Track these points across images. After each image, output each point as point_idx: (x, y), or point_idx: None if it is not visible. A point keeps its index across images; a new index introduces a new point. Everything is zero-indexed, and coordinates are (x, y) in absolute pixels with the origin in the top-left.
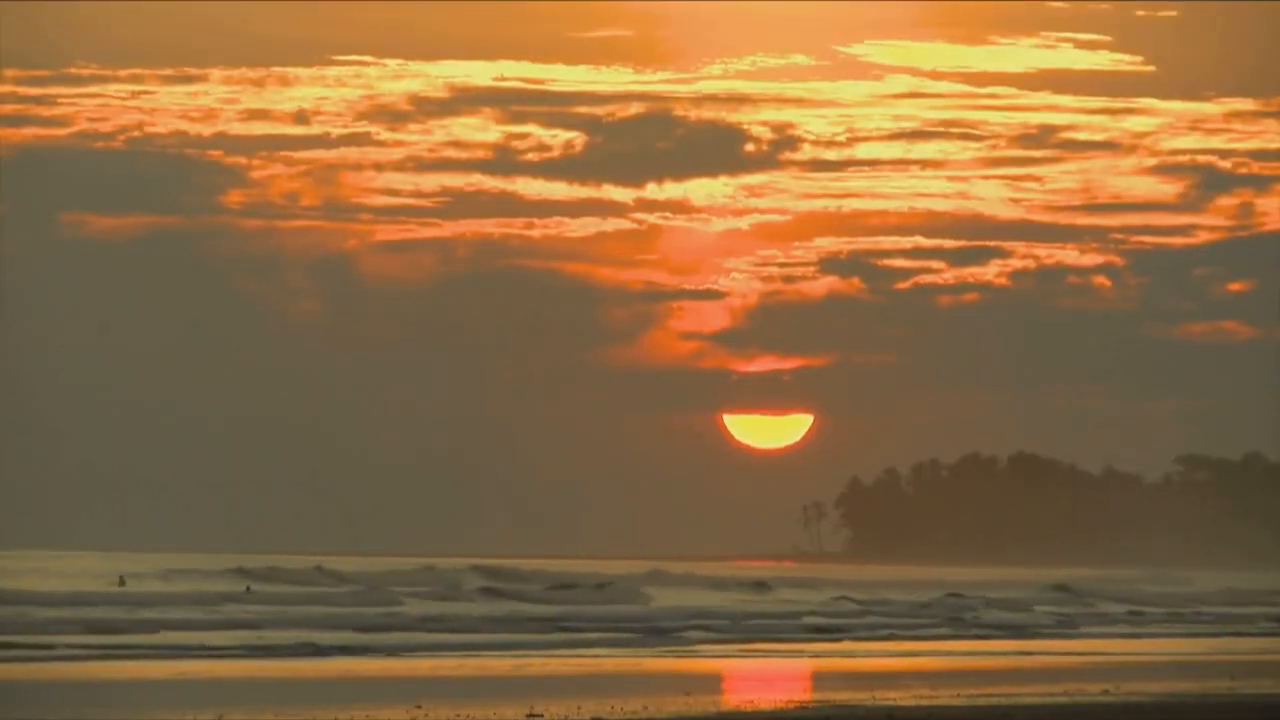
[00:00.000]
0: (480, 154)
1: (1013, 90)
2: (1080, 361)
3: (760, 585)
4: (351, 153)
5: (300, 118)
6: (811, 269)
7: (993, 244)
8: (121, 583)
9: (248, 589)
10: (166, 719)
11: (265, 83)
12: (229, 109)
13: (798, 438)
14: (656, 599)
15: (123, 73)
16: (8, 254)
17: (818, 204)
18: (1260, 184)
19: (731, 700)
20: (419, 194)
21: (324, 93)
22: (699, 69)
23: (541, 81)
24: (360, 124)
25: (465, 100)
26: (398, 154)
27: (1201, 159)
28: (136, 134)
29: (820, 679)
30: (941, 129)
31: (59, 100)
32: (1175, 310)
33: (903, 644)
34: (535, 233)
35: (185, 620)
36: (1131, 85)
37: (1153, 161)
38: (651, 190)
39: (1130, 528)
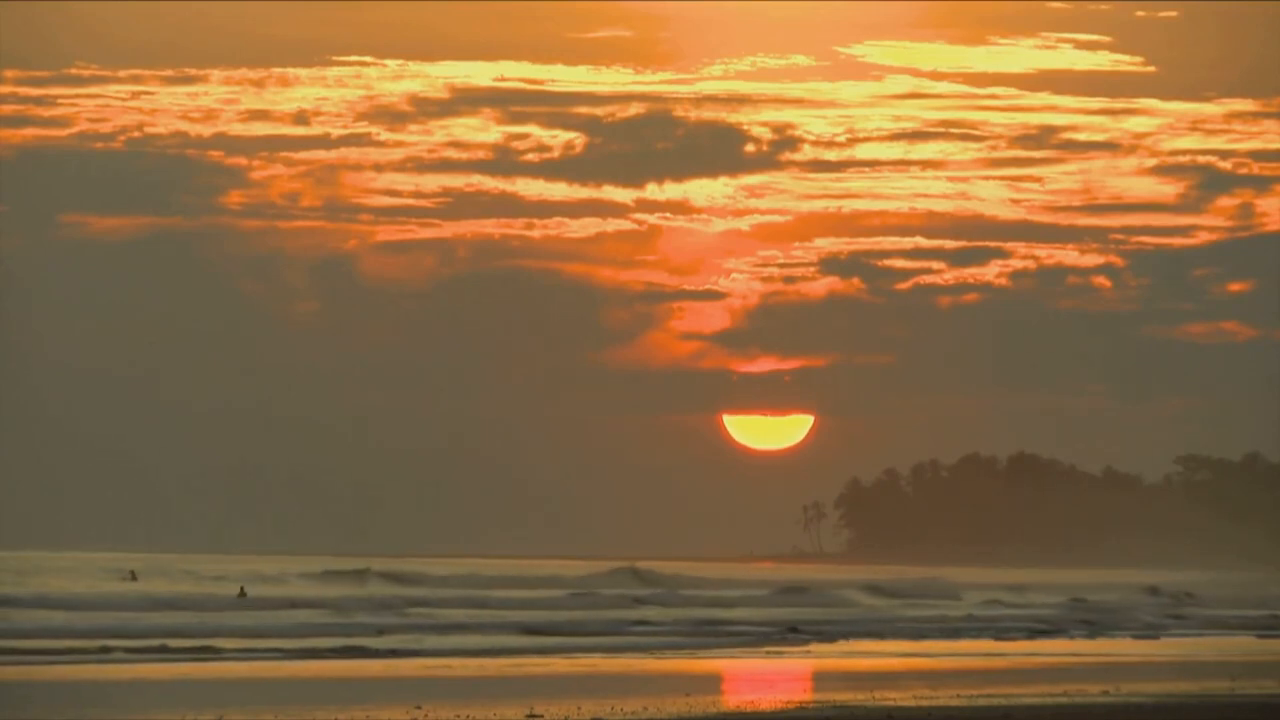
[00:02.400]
0: (480, 154)
1: (1013, 91)
2: (1080, 361)
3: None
4: (351, 153)
5: (300, 118)
6: (811, 269)
7: (993, 244)
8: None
9: (241, 590)
10: (167, 719)
11: (265, 83)
12: (229, 109)
13: (798, 438)
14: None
15: (123, 73)
16: (8, 254)
17: (818, 204)
18: (1260, 184)
19: (731, 701)
20: (419, 194)
21: (324, 93)
22: (699, 69)
23: (541, 82)
24: (360, 124)
25: (465, 101)
26: (398, 154)
27: (1202, 159)
28: (136, 134)
29: (820, 679)
30: (942, 130)
31: (59, 100)
32: (1175, 310)
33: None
34: (535, 233)
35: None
36: (1132, 86)
37: (1153, 162)
38: (651, 190)
39: (1130, 528)
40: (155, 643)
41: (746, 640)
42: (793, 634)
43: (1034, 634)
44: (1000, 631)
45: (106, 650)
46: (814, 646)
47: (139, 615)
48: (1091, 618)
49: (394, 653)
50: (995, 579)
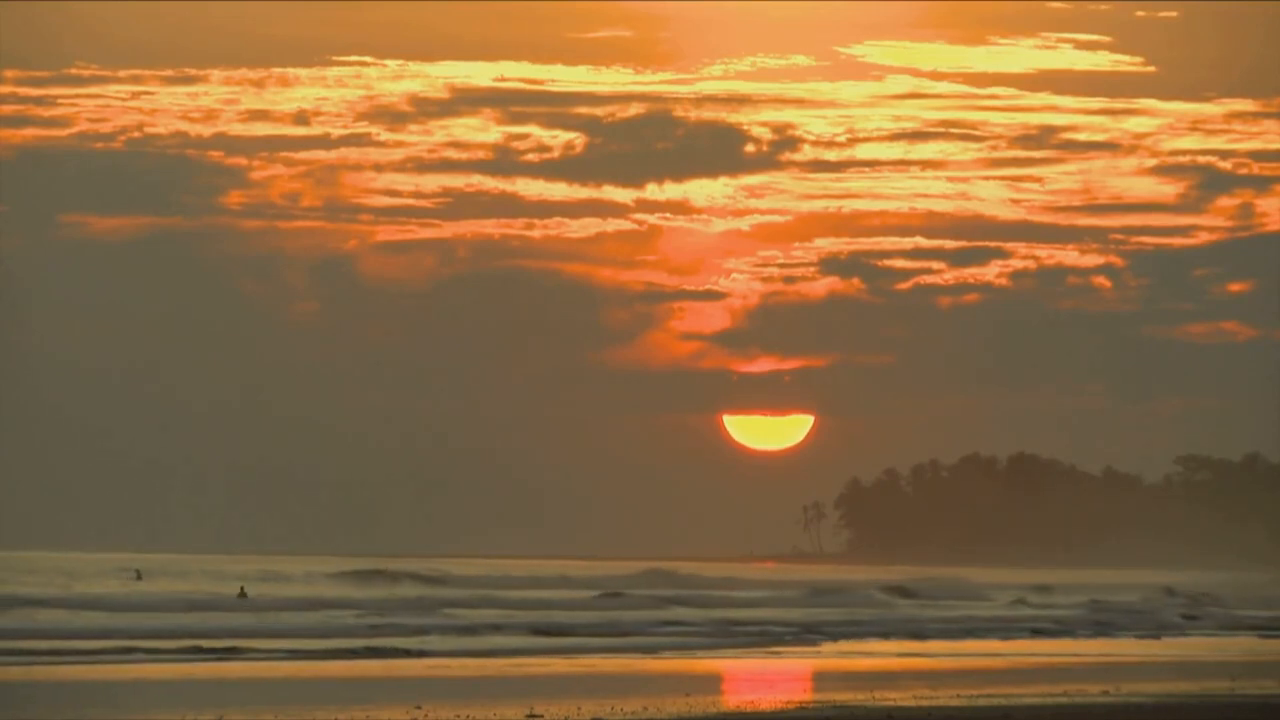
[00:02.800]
0: (480, 154)
1: (1013, 91)
2: (1081, 361)
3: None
4: (351, 153)
5: (300, 118)
6: (811, 269)
7: (993, 245)
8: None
9: (241, 591)
10: (167, 719)
11: (265, 83)
12: (229, 109)
13: (798, 438)
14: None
15: (123, 73)
16: (8, 254)
17: (818, 204)
18: (1260, 184)
19: (731, 701)
20: (419, 194)
21: (324, 93)
22: (699, 69)
23: (541, 82)
24: (360, 124)
25: (465, 101)
26: (398, 154)
27: (1202, 159)
28: (136, 134)
29: (820, 679)
30: (942, 130)
31: (59, 100)
32: (1175, 310)
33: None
34: (535, 233)
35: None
36: (1132, 86)
37: (1153, 162)
38: (651, 191)
39: (1130, 528)
40: (154, 644)
41: (775, 641)
42: (818, 635)
43: (1036, 633)
44: (1033, 633)
45: (129, 650)
46: (823, 646)
47: (144, 616)
48: (1117, 620)
49: (406, 652)
50: (1001, 579)
